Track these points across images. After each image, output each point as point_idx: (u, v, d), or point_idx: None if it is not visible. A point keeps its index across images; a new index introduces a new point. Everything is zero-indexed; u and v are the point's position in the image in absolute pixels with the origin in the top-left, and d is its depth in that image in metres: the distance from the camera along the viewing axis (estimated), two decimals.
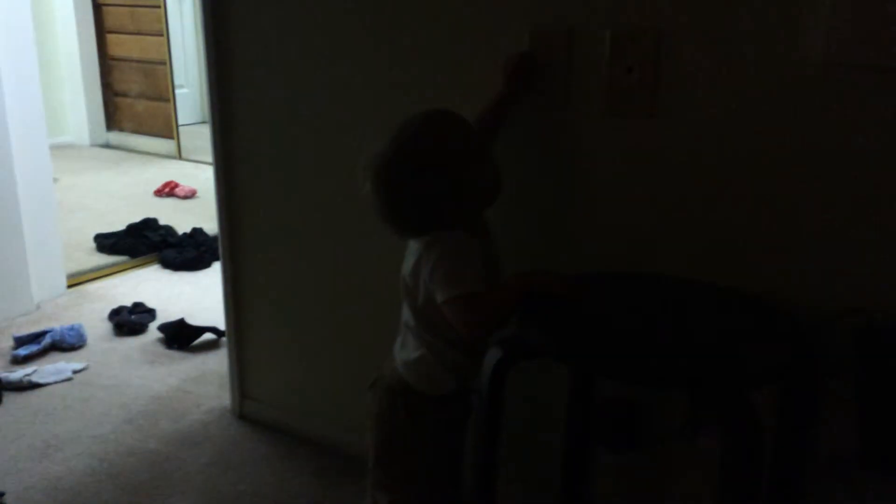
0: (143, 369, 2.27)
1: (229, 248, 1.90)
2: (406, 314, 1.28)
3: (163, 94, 5.03)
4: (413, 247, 1.23)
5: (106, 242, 3.23)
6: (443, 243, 1.17)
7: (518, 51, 1.36)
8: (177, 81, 5.04)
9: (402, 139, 1.17)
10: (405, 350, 1.28)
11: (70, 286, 2.84)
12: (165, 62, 4.94)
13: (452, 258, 1.16)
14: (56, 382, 2.16)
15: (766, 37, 1.17)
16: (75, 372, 2.22)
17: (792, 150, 1.19)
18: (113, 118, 5.35)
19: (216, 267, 2.96)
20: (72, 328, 2.41)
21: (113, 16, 5.11)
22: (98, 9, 5.12)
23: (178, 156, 5.02)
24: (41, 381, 2.15)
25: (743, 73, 1.20)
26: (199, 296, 2.80)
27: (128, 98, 5.25)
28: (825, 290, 1.20)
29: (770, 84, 1.19)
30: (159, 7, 4.84)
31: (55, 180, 2.85)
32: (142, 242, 3.23)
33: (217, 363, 2.27)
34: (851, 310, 1.15)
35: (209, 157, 1.90)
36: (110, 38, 5.17)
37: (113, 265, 3.09)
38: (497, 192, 1.23)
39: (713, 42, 1.22)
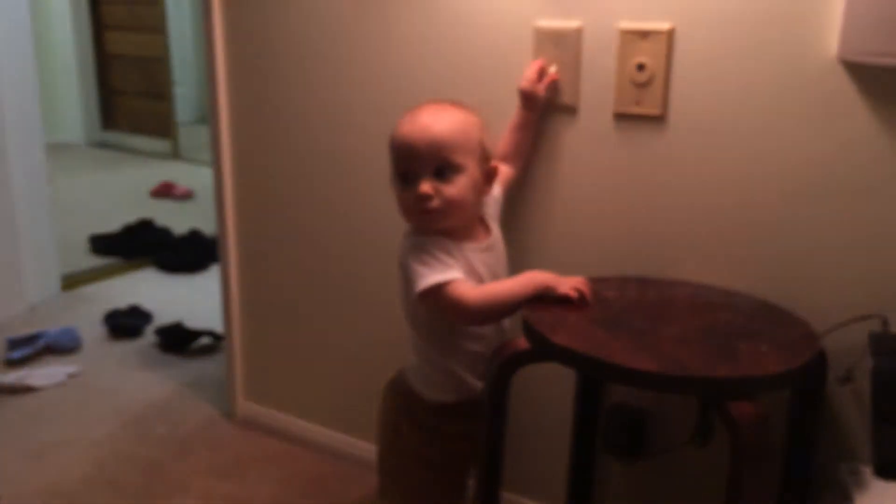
0: (138, 373, 2.24)
1: (228, 250, 1.87)
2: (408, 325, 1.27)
3: (160, 92, 4.99)
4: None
5: (101, 244, 3.20)
6: (409, 242, 1.18)
7: (534, 63, 1.32)
8: (174, 79, 5.00)
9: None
10: (412, 354, 1.28)
11: (64, 288, 2.81)
12: (163, 59, 4.89)
13: (418, 252, 1.15)
14: (50, 386, 2.13)
15: (781, 32, 1.15)
16: (69, 375, 2.19)
17: (808, 150, 1.17)
18: (109, 117, 5.30)
19: (214, 269, 2.93)
20: (66, 331, 2.37)
21: (111, 12, 5.06)
22: (95, 4, 5.07)
23: (176, 155, 4.98)
24: (35, 384, 2.12)
25: (757, 71, 1.18)
26: (196, 299, 2.76)
27: (125, 96, 5.20)
28: (840, 294, 1.18)
29: (785, 81, 1.16)
30: (157, 3, 4.79)
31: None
32: (138, 244, 3.20)
33: (214, 367, 2.24)
34: (867, 315, 1.13)
35: (207, 157, 1.87)
36: (107, 34, 5.12)
37: (108, 267, 3.06)
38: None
39: (726, 39, 1.19)
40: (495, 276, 1.23)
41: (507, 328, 1.25)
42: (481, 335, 1.22)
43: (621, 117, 1.29)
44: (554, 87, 1.33)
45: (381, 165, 1.23)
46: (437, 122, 1.15)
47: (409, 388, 1.26)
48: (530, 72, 1.31)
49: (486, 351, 1.22)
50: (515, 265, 1.33)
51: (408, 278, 1.16)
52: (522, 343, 1.13)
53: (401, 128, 1.17)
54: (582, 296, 1.14)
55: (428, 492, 1.27)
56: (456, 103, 1.20)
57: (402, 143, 1.16)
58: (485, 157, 1.19)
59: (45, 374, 2.17)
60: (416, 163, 1.14)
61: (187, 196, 4.07)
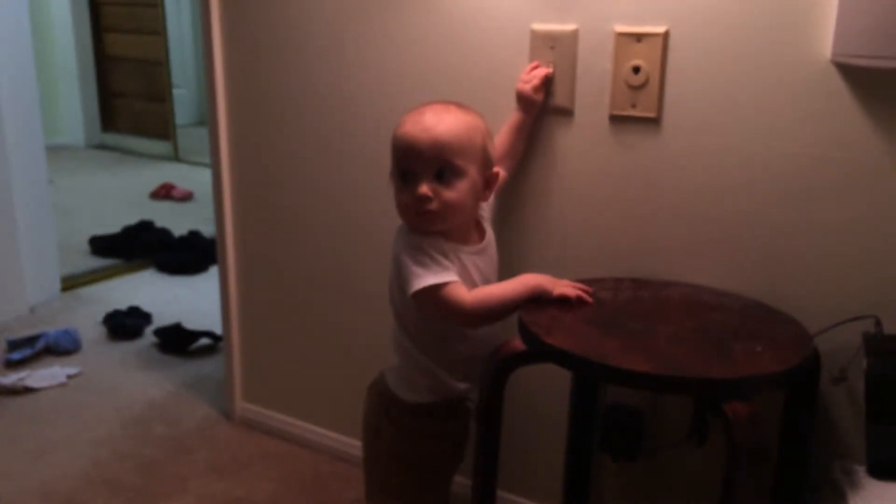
0: (138, 374, 2.24)
1: (227, 251, 1.87)
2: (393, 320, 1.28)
3: (160, 94, 5.00)
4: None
5: (101, 245, 3.20)
6: (405, 240, 1.17)
7: (533, 66, 1.33)
8: (174, 81, 5.01)
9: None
10: (395, 353, 1.28)
11: (64, 289, 2.81)
12: (163, 62, 4.91)
13: (414, 252, 1.14)
14: (50, 387, 2.13)
15: (775, 35, 1.16)
16: (69, 376, 2.19)
17: (802, 152, 1.17)
18: (109, 119, 5.31)
19: (213, 271, 2.93)
20: (66, 332, 2.38)
21: (110, 14, 5.07)
22: (95, 7, 5.08)
23: (176, 157, 4.99)
24: (35, 385, 2.12)
25: (752, 73, 1.19)
26: (195, 300, 2.77)
27: (124, 98, 5.21)
28: (833, 294, 1.19)
29: (780, 83, 1.17)
30: (157, 6, 4.81)
31: (49, 182, 2.82)
32: (137, 245, 3.20)
33: (213, 368, 2.24)
34: (860, 315, 1.14)
35: (207, 159, 1.88)
36: (107, 36, 5.13)
37: (108, 268, 3.06)
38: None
39: (721, 42, 1.20)
40: (486, 280, 1.22)
41: (496, 329, 1.25)
42: (469, 336, 1.21)
43: (616, 119, 1.30)
44: (549, 88, 1.33)
45: (381, 168, 1.24)
46: (442, 123, 1.13)
47: (389, 389, 1.26)
48: (529, 75, 1.31)
49: (472, 352, 1.22)
50: (510, 267, 1.34)
51: (402, 277, 1.16)
52: (518, 344, 1.13)
53: (404, 126, 1.15)
54: (580, 295, 1.15)
55: (410, 493, 1.26)
56: (461, 105, 1.19)
57: (404, 142, 1.14)
58: (487, 163, 1.18)
59: (45, 375, 2.18)
60: (417, 163, 1.13)
61: (187, 198, 4.08)
